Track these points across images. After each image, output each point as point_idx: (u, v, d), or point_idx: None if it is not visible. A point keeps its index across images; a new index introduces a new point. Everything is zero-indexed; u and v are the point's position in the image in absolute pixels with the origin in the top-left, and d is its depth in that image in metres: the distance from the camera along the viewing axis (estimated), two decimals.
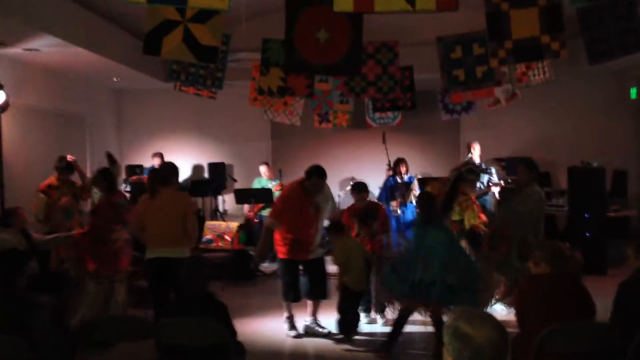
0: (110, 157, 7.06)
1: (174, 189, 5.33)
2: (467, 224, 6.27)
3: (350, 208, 6.40)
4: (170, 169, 5.47)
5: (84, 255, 5.71)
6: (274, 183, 9.45)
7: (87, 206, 7.08)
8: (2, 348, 3.20)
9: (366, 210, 6.25)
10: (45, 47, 6.96)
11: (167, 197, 5.20)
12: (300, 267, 5.78)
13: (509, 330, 2.05)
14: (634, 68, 10.00)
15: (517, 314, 3.52)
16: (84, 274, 5.68)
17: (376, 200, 9.76)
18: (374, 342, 5.55)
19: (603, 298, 3.83)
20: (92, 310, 5.47)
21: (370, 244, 6.06)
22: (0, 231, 5.37)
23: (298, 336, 5.80)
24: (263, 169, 9.68)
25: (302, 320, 5.92)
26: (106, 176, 5.81)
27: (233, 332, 3.81)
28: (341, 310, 5.70)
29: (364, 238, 6.09)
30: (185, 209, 5.20)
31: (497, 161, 9.71)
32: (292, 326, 5.86)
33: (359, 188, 6.36)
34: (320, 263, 5.84)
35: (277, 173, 9.97)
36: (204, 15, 5.02)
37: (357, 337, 5.74)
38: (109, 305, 5.63)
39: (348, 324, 5.70)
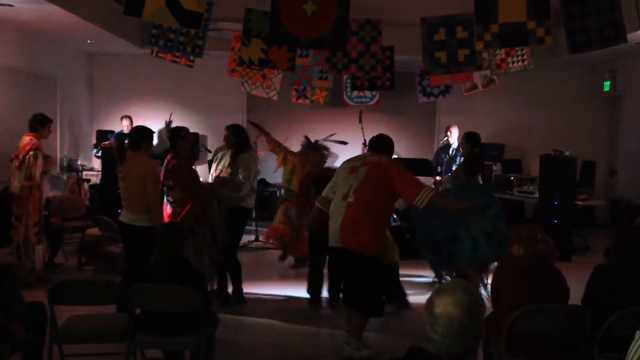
0: None
1: (141, 154, 5.00)
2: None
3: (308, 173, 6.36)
4: (139, 133, 5.16)
5: None
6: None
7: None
8: None
9: (324, 176, 5.51)
10: (18, 2, 6.71)
11: (132, 162, 4.96)
12: None
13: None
14: (609, 62, 10.16)
15: (492, 294, 3.57)
16: None
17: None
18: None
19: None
20: None
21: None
22: None
23: None
24: None
25: None
26: None
27: (207, 301, 3.77)
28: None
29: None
30: (143, 175, 4.89)
31: None
32: None
33: (317, 148, 6.20)
34: None
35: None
36: None
37: None
38: None
39: None
